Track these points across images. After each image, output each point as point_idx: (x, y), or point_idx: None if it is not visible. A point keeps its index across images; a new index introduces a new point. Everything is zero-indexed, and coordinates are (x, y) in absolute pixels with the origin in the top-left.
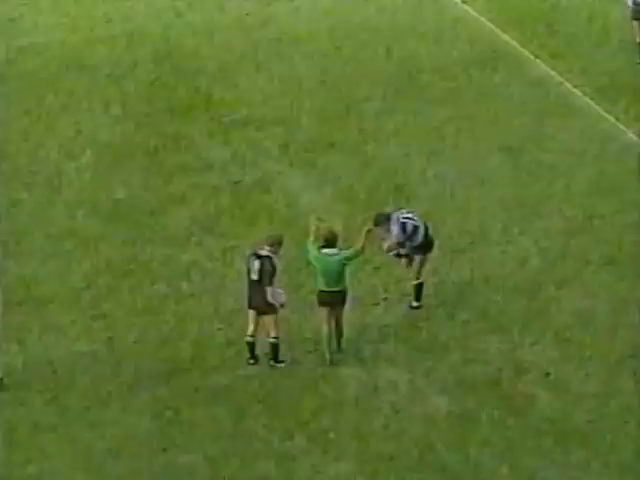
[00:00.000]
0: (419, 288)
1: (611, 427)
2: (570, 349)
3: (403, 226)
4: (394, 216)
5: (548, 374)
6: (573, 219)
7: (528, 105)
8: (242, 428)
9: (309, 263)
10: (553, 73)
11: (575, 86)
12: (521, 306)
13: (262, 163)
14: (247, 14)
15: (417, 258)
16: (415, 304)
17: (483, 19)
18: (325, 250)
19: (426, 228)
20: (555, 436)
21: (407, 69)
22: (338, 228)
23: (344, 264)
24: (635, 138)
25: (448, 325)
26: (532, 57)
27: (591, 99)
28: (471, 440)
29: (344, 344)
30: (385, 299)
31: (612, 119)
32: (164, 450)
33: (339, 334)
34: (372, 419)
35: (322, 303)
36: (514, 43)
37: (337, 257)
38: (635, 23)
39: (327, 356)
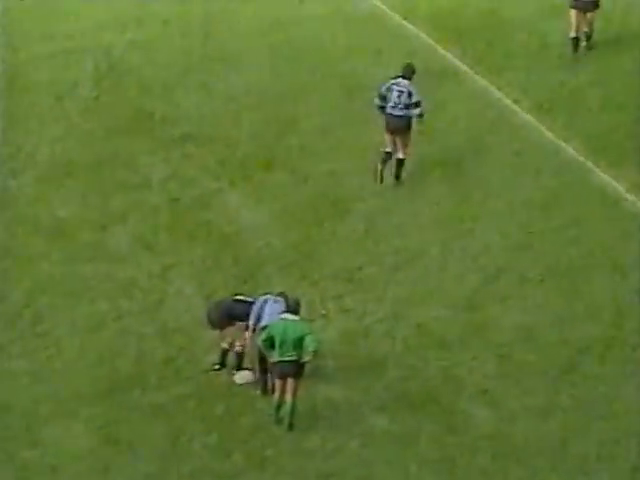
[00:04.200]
0: None
1: (550, 444)
2: (509, 365)
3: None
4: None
5: (486, 391)
6: (512, 235)
7: (467, 120)
8: (180, 446)
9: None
10: (492, 88)
11: (514, 101)
12: (460, 322)
13: (201, 180)
14: (188, 33)
15: None
16: None
17: (422, 35)
18: (287, 316)
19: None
20: (493, 454)
21: (346, 86)
22: (277, 245)
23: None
24: (574, 153)
25: (387, 342)
26: (471, 72)
27: (530, 114)
28: (410, 457)
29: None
30: (323, 315)
31: (551, 134)
32: (104, 469)
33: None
34: (310, 437)
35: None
36: (453, 59)
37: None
38: (573, 12)
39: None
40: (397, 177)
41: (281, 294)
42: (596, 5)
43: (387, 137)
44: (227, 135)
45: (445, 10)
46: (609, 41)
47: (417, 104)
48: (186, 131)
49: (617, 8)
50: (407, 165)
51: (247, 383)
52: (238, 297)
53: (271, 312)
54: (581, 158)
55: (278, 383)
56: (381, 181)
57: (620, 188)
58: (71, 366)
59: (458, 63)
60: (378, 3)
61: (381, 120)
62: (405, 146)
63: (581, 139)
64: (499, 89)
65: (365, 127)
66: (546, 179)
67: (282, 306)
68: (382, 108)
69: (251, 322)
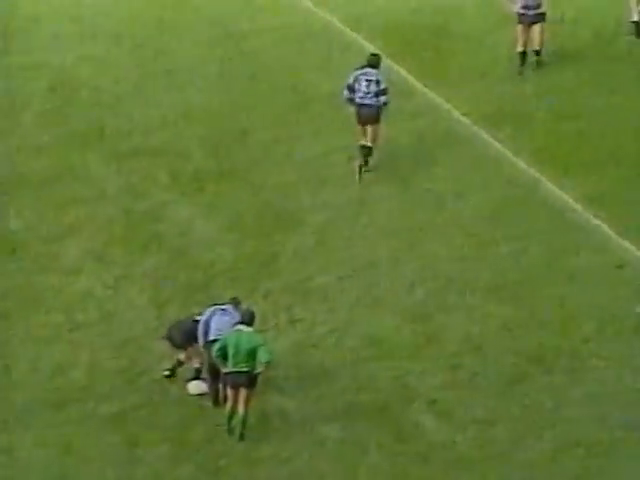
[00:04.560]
0: None
1: (498, 453)
2: (458, 375)
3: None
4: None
5: (435, 400)
6: (460, 246)
7: (417, 133)
8: (134, 456)
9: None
10: (442, 101)
11: (463, 114)
12: (409, 333)
13: (153, 192)
14: (141, 45)
15: None
16: None
17: (372, 48)
18: (241, 328)
19: None
20: (443, 462)
21: (297, 98)
22: (228, 256)
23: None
24: (522, 165)
25: (337, 352)
26: (421, 85)
27: (479, 127)
28: (360, 467)
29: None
30: (275, 325)
31: (499, 146)
32: (59, 478)
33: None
34: (262, 446)
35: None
36: (403, 71)
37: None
38: (519, 27)
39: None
40: (366, 163)
41: (234, 300)
42: (542, 18)
43: (359, 128)
44: (178, 148)
45: (395, 23)
46: (557, 53)
47: (384, 91)
48: (138, 144)
49: (565, 22)
50: (352, 179)
51: (200, 393)
52: (197, 318)
53: (218, 324)
54: (529, 170)
55: (231, 393)
56: (360, 176)
57: (567, 199)
58: (25, 377)
59: (408, 76)
60: (329, 16)
61: (330, 131)
62: (376, 135)
63: (529, 151)
64: (448, 102)
65: (315, 139)
66: (494, 190)
67: (230, 316)
68: (351, 100)
69: (200, 336)
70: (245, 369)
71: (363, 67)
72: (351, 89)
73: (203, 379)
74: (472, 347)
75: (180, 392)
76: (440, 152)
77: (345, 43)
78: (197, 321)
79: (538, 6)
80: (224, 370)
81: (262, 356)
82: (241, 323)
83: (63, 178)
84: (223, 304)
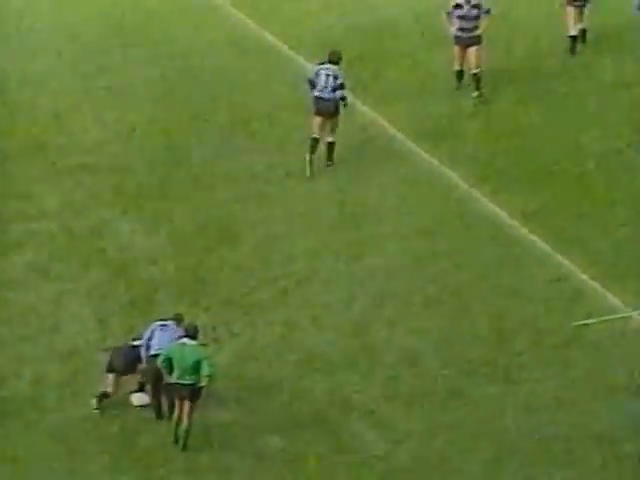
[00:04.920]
0: None
1: (436, 464)
2: (395, 388)
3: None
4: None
5: (373, 412)
6: (398, 260)
7: (355, 149)
8: (77, 467)
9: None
10: (379, 118)
11: (400, 130)
12: (347, 346)
13: (95, 209)
14: (82, 62)
15: None
16: None
17: (310, 65)
18: (186, 341)
19: None
20: (380, 473)
21: (236, 116)
22: (170, 271)
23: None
24: (458, 180)
25: (276, 365)
26: (358, 102)
27: (415, 143)
28: (300, 477)
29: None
30: (214, 339)
31: (436, 162)
32: None
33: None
34: (203, 456)
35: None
36: None
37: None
38: (456, 47)
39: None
40: (330, 159)
41: (177, 316)
42: (478, 41)
43: (315, 122)
44: (120, 164)
45: (333, 41)
46: (492, 70)
47: (341, 86)
48: (80, 161)
49: (500, 40)
50: (299, 193)
51: (143, 405)
52: (135, 343)
53: (160, 340)
54: (465, 185)
55: (177, 403)
56: (310, 171)
57: (504, 214)
58: None
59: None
60: (269, 35)
61: (269, 147)
62: (334, 129)
63: (466, 167)
64: (385, 118)
65: (254, 156)
66: (431, 206)
67: (171, 332)
68: (310, 93)
69: (143, 351)
70: (188, 382)
71: (324, 62)
72: (312, 83)
73: (145, 391)
74: (409, 360)
75: (123, 404)
76: (378, 168)
77: (284, 61)
78: (135, 346)
79: (474, 29)
80: (169, 381)
81: (204, 369)
82: (186, 336)
83: (5, 195)
84: (165, 320)
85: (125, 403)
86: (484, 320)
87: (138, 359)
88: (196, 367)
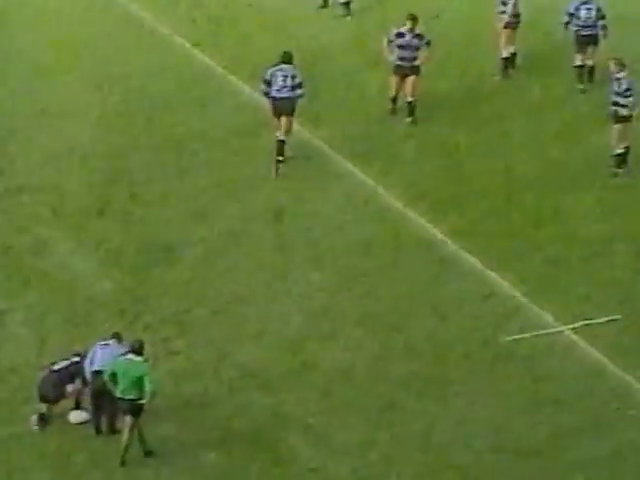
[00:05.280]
0: None
1: (371, 477)
2: (331, 402)
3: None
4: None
5: (310, 426)
6: (333, 278)
7: (291, 168)
8: None
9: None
10: (314, 138)
11: (335, 151)
12: (284, 362)
13: (35, 229)
14: (20, 84)
15: None
16: None
17: (247, 88)
18: (130, 356)
19: None
20: None
21: (175, 137)
22: (108, 290)
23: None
24: (392, 201)
25: (214, 381)
26: (294, 122)
27: (351, 163)
28: None
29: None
30: (154, 356)
31: (371, 182)
32: None
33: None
34: (143, 472)
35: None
36: None
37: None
38: (393, 77)
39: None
40: (281, 156)
41: (115, 334)
42: (417, 71)
43: (275, 122)
44: (59, 185)
45: (269, 63)
46: (426, 92)
47: (300, 85)
48: (20, 182)
49: (433, 62)
50: (236, 212)
51: (81, 422)
52: (54, 367)
53: (102, 357)
54: (399, 204)
55: (121, 416)
56: (276, 170)
57: (436, 232)
58: None
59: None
60: (207, 58)
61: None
62: (289, 128)
63: (399, 187)
64: (321, 139)
65: (191, 176)
66: (366, 225)
67: (112, 349)
68: (267, 94)
69: (86, 369)
70: (131, 397)
71: (277, 64)
72: (268, 84)
73: (84, 408)
74: (345, 375)
75: (62, 420)
76: (314, 187)
77: (223, 84)
78: (55, 371)
79: (414, 59)
80: (115, 395)
81: (146, 385)
82: (131, 352)
83: None
84: (106, 339)
85: (63, 420)
86: (418, 336)
87: (64, 381)
88: (138, 383)
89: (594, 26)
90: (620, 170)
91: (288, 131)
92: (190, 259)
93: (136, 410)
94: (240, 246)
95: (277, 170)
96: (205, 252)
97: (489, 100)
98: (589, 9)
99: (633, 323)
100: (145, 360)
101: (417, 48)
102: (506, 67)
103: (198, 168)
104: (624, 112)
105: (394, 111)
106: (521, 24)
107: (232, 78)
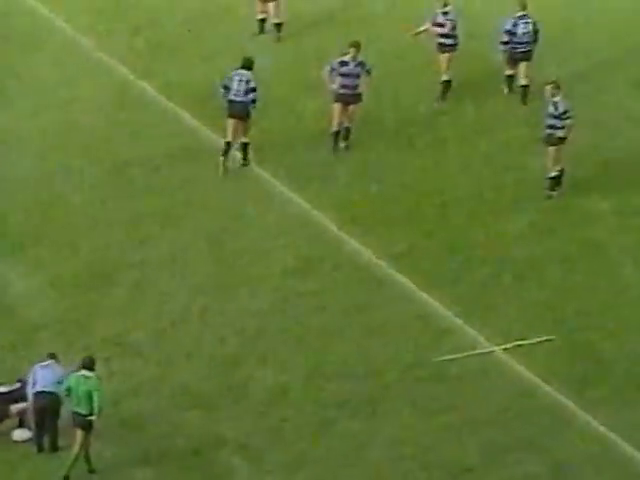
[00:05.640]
0: None
1: None
2: (266, 421)
3: None
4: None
5: (245, 445)
6: (269, 300)
7: (229, 192)
8: None
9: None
10: (251, 163)
11: (272, 175)
12: (221, 381)
13: None
14: None
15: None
16: None
17: (186, 114)
18: (83, 372)
19: None
20: None
21: (115, 163)
22: (49, 313)
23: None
24: (328, 224)
25: (152, 401)
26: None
27: (287, 187)
28: None
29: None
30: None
31: (307, 205)
32: None
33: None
34: None
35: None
36: (214, 136)
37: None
38: (336, 105)
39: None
40: (245, 158)
41: (51, 355)
42: (359, 99)
43: (229, 126)
44: None
45: (209, 91)
46: (361, 117)
47: (253, 90)
48: None
49: (369, 88)
50: (174, 235)
51: (24, 440)
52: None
53: (43, 377)
54: (334, 227)
55: (74, 431)
56: (224, 172)
57: (371, 255)
58: None
59: (218, 141)
60: (145, 84)
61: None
62: (246, 130)
63: (334, 210)
64: (256, 163)
65: (129, 202)
66: (301, 248)
67: (51, 368)
68: (225, 97)
69: (29, 390)
70: (82, 411)
71: (238, 68)
72: (226, 88)
73: (25, 426)
74: (280, 395)
75: (5, 438)
76: (251, 210)
77: (159, 110)
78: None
79: (356, 87)
80: (71, 408)
81: (95, 401)
82: (83, 367)
83: None
84: (44, 360)
85: (7, 438)
86: (351, 356)
87: (9, 402)
88: (88, 398)
89: (529, 42)
90: (554, 192)
91: (245, 134)
92: (129, 282)
93: (86, 425)
94: (177, 269)
95: (225, 169)
96: (143, 275)
97: (424, 124)
98: (526, 24)
99: (564, 344)
100: (97, 376)
101: (358, 76)
102: (445, 91)
103: (137, 193)
104: (560, 134)
105: (337, 144)
106: (458, 49)
107: (170, 104)
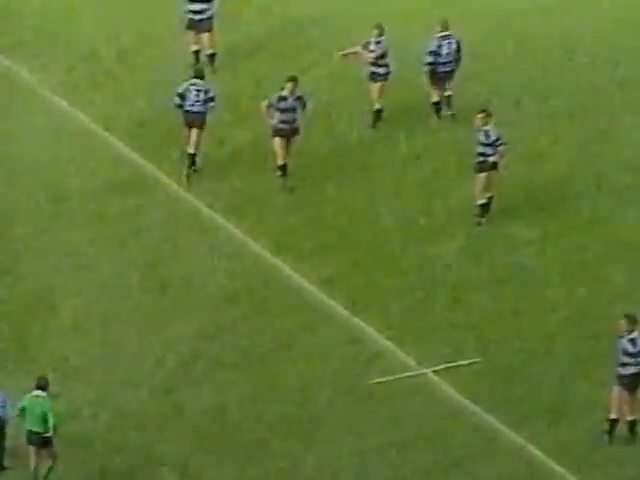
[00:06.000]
0: None
1: None
2: (204, 441)
3: None
4: None
5: (184, 465)
6: (207, 324)
7: (165, 221)
8: None
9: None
10: (187, 194)
11: (207, 205)
12: (159, 404)
13: None
14: None
15: None
16: None
17: (123, 145)
18: (36, 392)
19: None
20: None
21: (55, 194)
22: None
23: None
24: (262, 251)
25: (92, 423)
26: (169, 180)
27: (222, 216)
28: None
29: None
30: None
31: (240, 234)
32: None
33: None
34: None
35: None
36: (151, 166)
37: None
38: (277, 140)
39: None
40: (193, 166)
41: None
42: (299, 131)
43: (186, 135)
44: None
45: (144, 122)
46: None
47: (212, 99)
48: None
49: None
50: (113, 262)
51: None
52: None
53: None
54: (268, 255)
55: (32, 449)
56: (188, 182)
57: (304, 281)
58: None
59: (156, 171)
60: (83, 116)
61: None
62: (199, 140)
63: (269, 238)
64: (193, 193)
65: (70, 231)
66: (238, 275)
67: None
68: (180, 107)
69: None
70: (38, 430)
71: (191, 79)
72: (182, 97)
73: None
74: (217, 416)
75: None
76: (187, 240)
77: (100, 142)
78: None
79: (294, 121)
80: (27, 428)
81: (49, 421)
82: (37, 388)
83: None
84: None
85: None
86: (285, 379)
87: None
88: (42, 417)
89: (452, 61)
90: (483, 219)
91: (198, 145)
92: (69, 308)
93: (43, 443)
94: (116, 295)
95: (188, 182)
96: (83, 302)
97: (356, 153)
98: (450, 43)
99: (491, 366)
100: (49, 396)
101: (296, 110)
102: (376, 119)
103: (78, 222)
104: (491, 161)
105: (284, 176)
106: (389, 78)
107: (107, 135)
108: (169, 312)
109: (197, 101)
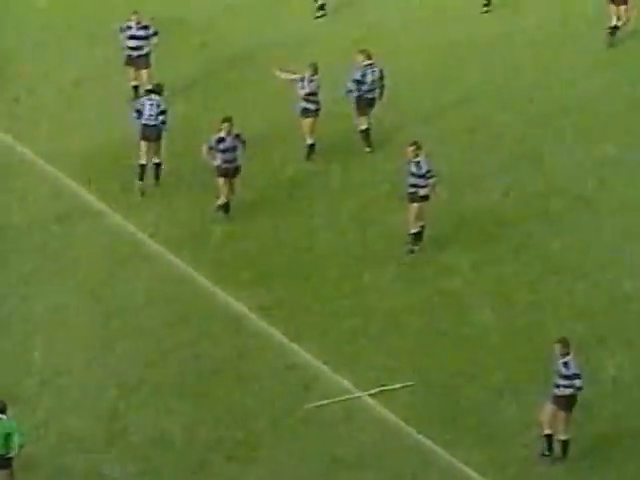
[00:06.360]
0: None
1: None
2: (148, 464)
3: None
4: None
5: None
6: (148, 351)
7: (105, 251)
8: None
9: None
10: (128, 225)
11: (149, 235)
12: (104, 428)
13: None
14: None
15: None
16: None
17: (65, 177)
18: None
19: None
20: None
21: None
22: None
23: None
24: (202, 280)
25: (38, 446)
26: (110, 210)
27: (163, 246)
28: None
29: None
30: None
31: (183, 264)
32: None
33: None
34: None
35: None
36: (92, 198)
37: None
38: (220, 180)
39: None
40: (157, 178)
41: None
42: (240, 170)
43: (142, 148)
44: None
45: (89, 154)
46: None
47: (163, 112)
48: None
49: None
50: (55, 290)
51: None
52: None
53: None
54: (209, 283)
55: None
56: (142, 194)
57: (243, 308)
58: None
59: (96, 202)
60: (27, 150)
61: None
62: (159, 151)
63: (208, 267)
64: (135, 225)
65: (16, 261)
66: (178, 302)
67: None
68: (137, 120)
69: None
70: (1, 452)
71: (149, 93)
72: (138, 112)
73: None
74: (159, 440)
75: None
76: (127, 269)
77: (42, 175)
78: None
79: (235, 159)
80: None
81: (15, 441)
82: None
83: None
84: None
85: None
86: (226, 404)
87: None
88: (6, 439)
89: (376, 89)
90: (416, 247)
91: (157, 154)
92: (15, 335)
93: (4, 464)
94: (62, 322)
95: (142, 191)
96: (28, 329)
97: (292, 185)
98: (374, 72)
99: (424, 388)
100: (9, 419)
101: (236, 149)
102: (310, 152)
103: (21, 254)
104: (423, 192)
105: (227, 213)
106: (320, 114)
107: (51, 169)
108: (113, 339)
109: (151, 115)
